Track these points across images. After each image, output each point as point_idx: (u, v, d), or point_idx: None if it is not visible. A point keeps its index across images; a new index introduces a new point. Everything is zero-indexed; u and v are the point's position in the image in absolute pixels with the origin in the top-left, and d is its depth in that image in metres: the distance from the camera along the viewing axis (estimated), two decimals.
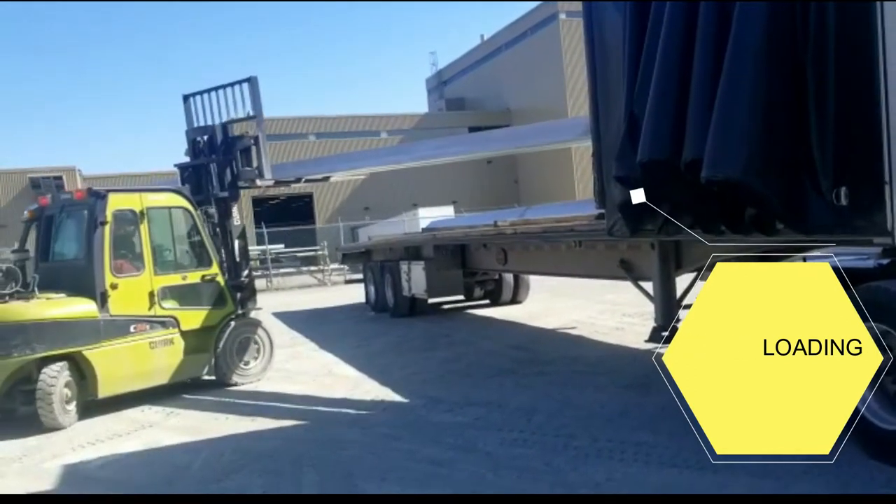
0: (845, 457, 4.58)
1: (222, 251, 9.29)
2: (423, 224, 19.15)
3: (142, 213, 8.27)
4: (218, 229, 9.35)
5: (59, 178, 42.13)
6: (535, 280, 15.05)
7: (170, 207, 8.68)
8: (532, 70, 46.98)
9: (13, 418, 7.55)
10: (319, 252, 29.23)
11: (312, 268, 28.84)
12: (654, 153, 4.86)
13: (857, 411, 4.53)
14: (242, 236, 9.60)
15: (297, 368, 9.83)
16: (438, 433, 6.13)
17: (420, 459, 5.47)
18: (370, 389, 8.13)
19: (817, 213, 4.46)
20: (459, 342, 10.99)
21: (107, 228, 7.90)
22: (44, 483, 5.69)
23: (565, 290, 15.53)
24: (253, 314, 9.51)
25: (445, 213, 28.30)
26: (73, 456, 6.43)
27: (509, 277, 14.65)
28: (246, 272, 9.57)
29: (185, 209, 8.77)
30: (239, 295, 9.23)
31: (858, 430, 4.52)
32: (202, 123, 9.79)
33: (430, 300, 14.39)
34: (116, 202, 8.13)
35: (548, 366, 8.62)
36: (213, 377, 8.96)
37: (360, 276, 20.43)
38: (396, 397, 7.66)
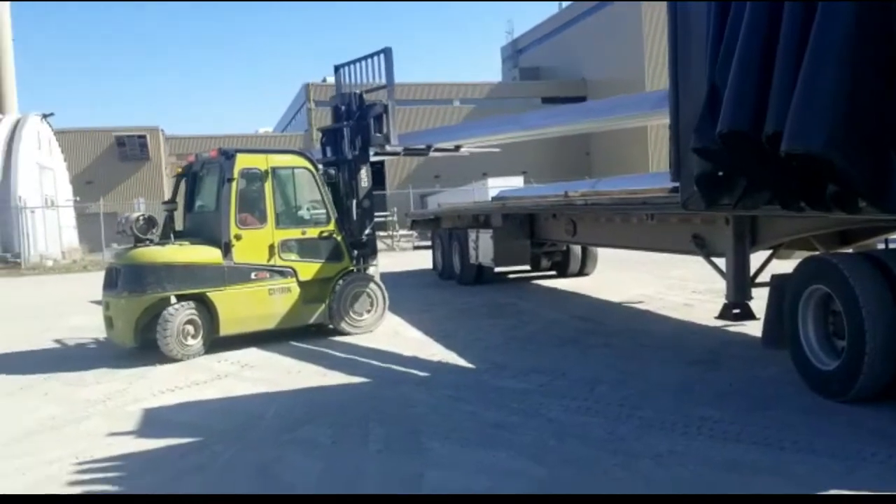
0: None
1: (352, 208, 9.88)
2: (492, 194, 19.16)
3: (266, 172, 9.09)
4: (343, 189, 9.93)
5: (143, 137, 43.58)
6: (602, 253, 14.93)
7: (293, 168, 9.45)
8: (610, 39, 46.01)
9: (153, 347, 8.43)
10: (389, 218, 29.58)
11: (382, 233, 29.21)
12: (735, 124, 4.76)
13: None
14: (368, 197, 10.07)
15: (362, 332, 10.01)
16: (502, 398, 6.22)
17: (483, 422, 5.57)
18: (435, 353, 8.27)
19: None
20: (524, 311, 11.03)
21: (234, 185, 8.80)
22: (126, 424, 6.01)
23: (633, 264, 15.37)
24: (371, 270, 10.03)
25: (515, 183, 28.25)
26: (154, 401, 6.76)
27: (577, 249, 14.56)
28: (368, 231, 10.06)
29: (308, 170, 9.48)
30: (358, 251, 9.79)
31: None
32: (345, 91, 10.46)
33: (497, 269, 14.43)
34: (244, 161, 9.01)
35: (613, 338, 8.60)
36: (329, 325, 9.60)
37: (427, 242, 20.61)
38: (461, 361, 7.78)
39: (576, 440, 5.03)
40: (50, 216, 31.28)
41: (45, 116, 33.72)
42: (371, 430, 5.49)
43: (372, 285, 9.86)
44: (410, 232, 27.50)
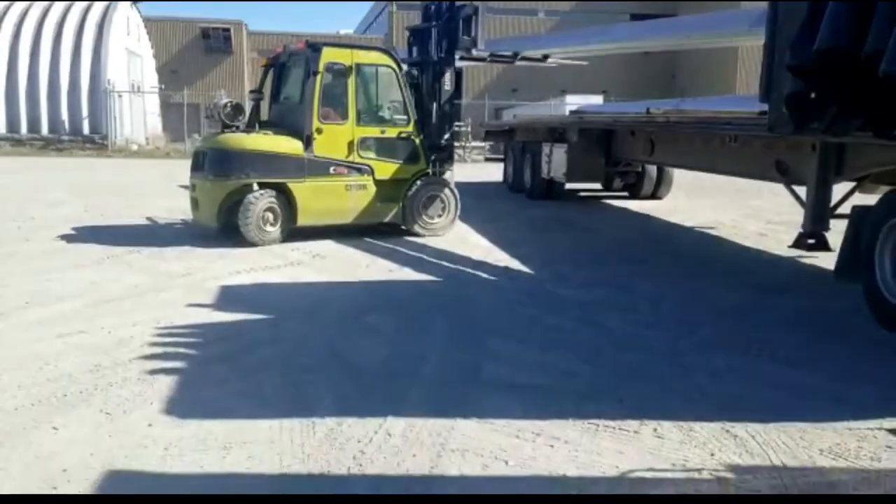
0: None
1: (433, 112, 9.85)
2: (570, 109, 18.79)
3: (351, 67, 9.12)
4: (425, 91, 9.87)
5: (227, 30, 43.82)
6: (677, 178, 14.62)
7: (377, 66, 9.42)
8: None
9: (234, 230, 8.81)
10: (463, 128, 29.35)
11: (454, 143, 29.05)
12: (834, 41, 4.54)
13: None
14: (450, 101, 10.00)
15: (409, 233, 10.16)
16: (563, 305, 6.32)
17: (543, 325, 5.69)
18: (500, 259, 8.37)
19: None
20: (593, 228, 11.00)
21: (318, 78, 8.87)
22: (203, 297, 6.35)
23: (708, 190, 15.05)
24: (447, 175, 10.09)
25: (594, 101, 27.53)
26: (230, 279, 7.10)
27: (652, 171, 14.28)
28: (447, 135, 10.05)
29: (391, 69, 9.44)
30: (435, 156, 9.82)
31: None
32: None
33: (568, 185, 14.30)
34: (329, 55, 9.05)
35: (681, 259, 8.54)
36: (402, 225, 9.80)
37: (499, 156, 20.47)
38: (525, 269, 7.87)
39: (633, 350, 5.11)
40: (136, 102, 32.19)
41: (135, 2, 34.21)
42: (433, 324, 5.69)
43: (446, 190, 9.95)
44: (483, 143, 27.32)
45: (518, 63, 13.60)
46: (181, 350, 5.01)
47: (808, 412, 4.00)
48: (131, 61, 33.10)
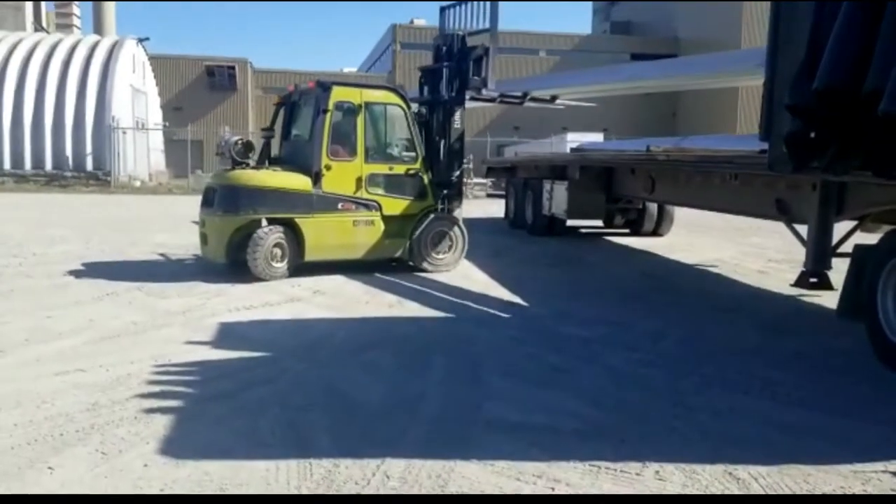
0: None
1: (441, 150, 10.03)
2: (571, 146, 18.90)
3: (360, 106, 9.26)
4: (435, 130, 10.07)
5: (232, 67, 44.41)
6: (678, 216, 14.65)
7: (385, 104, 9.56)
8: None
9: (245, 267, 8.82)
10: (465, 165, 29.46)
11: (463, 180, 29.19)
12: (833, 80, 4.57)
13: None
14: (460, 140, 10.16)
15: (414, 269, 10.14)
16: (563, 343, 6.28)
17: (543, 363, 5.65)
18: (501, 296, 8.35)
19: None
20: (593, 264, 11.00)
21: (328, 116, 9.01)
22: (202, 335, 6.31)
23: (709, 228, 15.07)
24: (456, 212, 10.21)
25: (595, 139, 27.74)
26: (229, 316, 7.07)
27: (653, 208, 14.31)
28: (457, 173, 10.21)
29: (400, 107, 9.59)
30: (444, 193, 9.98)
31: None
32: (447, 33, 10.49)
33: (569, 222, 14.34)
34: (339, 94, 9.20)
35: (682, 297, 8.52)
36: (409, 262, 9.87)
37: (500, 192, 20.57)
38: (525, 306, 7.85)
39: (635, 389, 5.06)
40: (140, 138, 32.47)
41: (140, 41, 34.73)
42: (433, 361, 5.64)
43: (454, 227, 10.01)
44: (485, 180, 27.45)
45: (528, 104, 13.74)
46: (178, 388, 4.97)
47: (813, 454, 3.94)
48: (136, 98, 33.47)
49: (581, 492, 3.49)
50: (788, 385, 5.14)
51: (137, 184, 29.43)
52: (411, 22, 49.38)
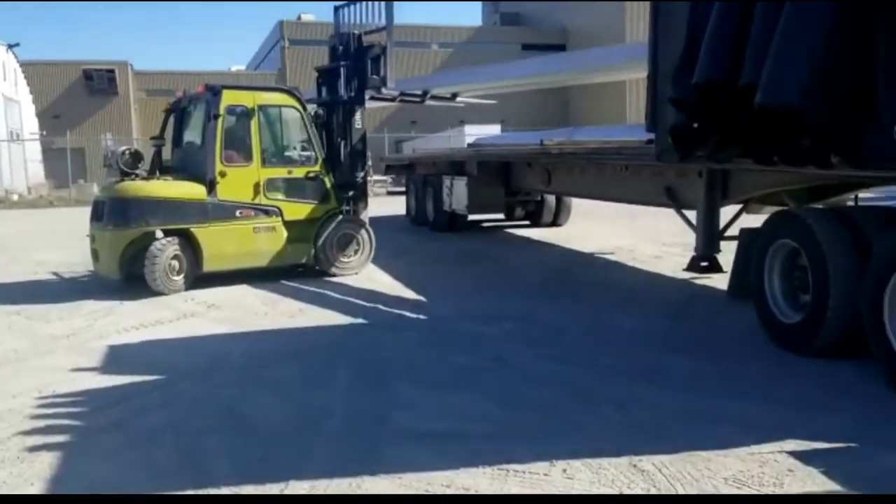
0: (879, 397, 4.62)
1: (342, 151, 9.83)
2: (469, 141, 19.02)
3: (253, 109, 9.01)
4: (336, 131, 9.90)
5: (112, 71, 42.49)
6: (576, 204, 14.95)
7: (280, 106, 9.37)
8: None
9: (138, 281, 8.49)
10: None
11: (368, 181, 28.86)
12: (711, 75, 4.73)
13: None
14: (362, 140, 10.01)
15: (320, 273, 9.96)
16: (470, 342, 6.26)
17: (450, 366, 5.61)
18: (406, 296, 8.28)
19: (876, 149, 4.35)
20: (496, 259, 11.07)
21: (219, 121, 8.74)
22: (90, 360, 5.95)
23: (606, 215, 15.43)
24: (362, 213, 10.07)
25: (492, 132, 28.02)
26: (118, 338, 6.70)
27: (551, 199, 14.56)
28: (361, 174, 10.02)
29: (295, 109, 9.38)
30: (349, 194, 9.81)
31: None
32: (343, 31, 10.30)
33: (470, 217, 14.40)
34: (230, 98, 8.93)
35: (582, 287, 8.67)
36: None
37: (401, 188, 20.48)
38: (431, 306, 7.80)
39: (540, 385, 5.09)
40: (15, 150, 30.64)
41: (10, 47, 32.70)
42: (338, 372, 5.51)
43: (361, 229, 9.88)
44: (384, 177, 27.30)
45: (429, 102, 13.67)
46: (65, 421, 4.66)
47: (713, 439, 4.04)
48: (8, 108, 31.55)
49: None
50: (686, 370, 5.29)
51: (15, 198, 27.71)
52: (299, 18, 48.54)
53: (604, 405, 4.66)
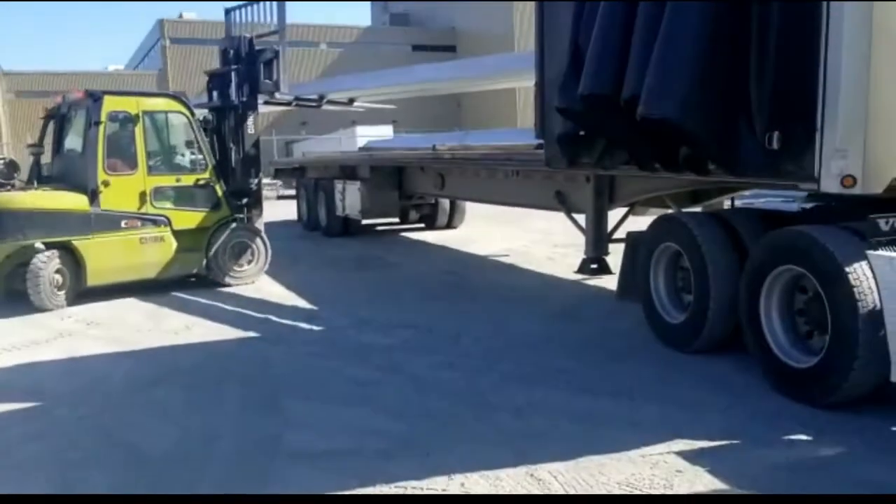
0: (758, 390, 4.85)
1: (232, 157, 9.58)
2: (361, 143, 18.82)
3: (137, 115, 8.70)
4: (228, 136, 9.66)
5: None
6: (470, 206, 15.07)
7: (166, 112, 9.08)
8: None
9: (18, 297, 8.12)
10: None
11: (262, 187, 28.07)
12: (596, 87, 4.85)
13: (769, 349, 4.79)
14: (255, 145, 9.80)
15: (213, 284, 9.63)
16: (365, 353, 6.17)
17: (345, 379, 5.50)
18: (299, 308, 8.09)
19: (749, 156, 4.57)
20: (391, 265, 11.00)
21: (101, 128, 8.38)
22: None
23: (500, 217, 15.61)
24: (257, 220, 9.87)
25: (384, 132, 27.84)
26: None
27: (445, 202, 14.61)
28: (254, 181, 9.81)
29: (182, 114, 9.11)
30: (244, 201, 9.60)
31: (770, 367, 4.80)
32: (234, 35, 10.06)
33: (364, 221, 14.27)
34: (112, 104, 8.59)
35: (478, 292, 8.73)
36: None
37: (292, 192, 20.07)
38: (324, 316, 7.65)
39: (437, 395, 5.07)
40: None
41: None
42: (227, 391, 5.31)
43: (254, 236, 9.67)
44: (274, 181, 26.67)
45: (325, 107, 13.48)
46: None
47: (606, 442, 4.13)
48: None
49: None
50: (579, 373, 5.40)
51: None
52: (180, 16, 46.83)
53: (500, 412, 4.69)
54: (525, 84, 10.85)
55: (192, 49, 42.83)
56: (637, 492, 3.57)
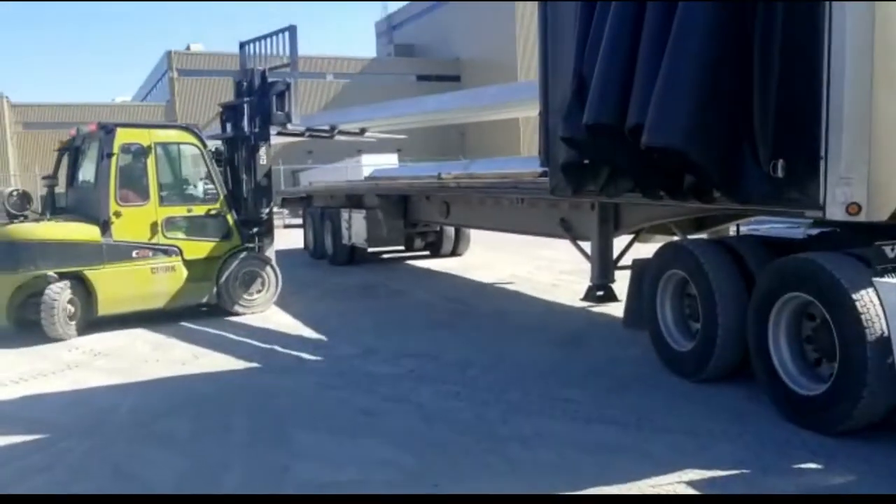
0: (768, 418, 4.82)
1: (244, 187, 9.73)
2: (367, 172, 18.95)
3: (149, 147, 8.83)
4: (241, 167, 9.81)
5: None
6: (475, 234, 15.10)
7: (178, 144, 9.23)
8: (484, 21, 46.45)
9: (27, 327, 8.21)
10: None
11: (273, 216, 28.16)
12: (600, 116, 4.88)
13: (777, 377, 4.77)
14: (267, 175, 9.94)
15: (224, 313, 9.65)
16: (372, 383, 6.16)
17: (352, 409, 5.49)
18: (305, 338, 8.09)
19: (754, 184, 4.58)
20: (397, 293, 11.01)
21: (113, 160, 8.52)
22: None
23: (505, 244, 15.62)
24: (268, 250, 9.94)
25: (390, 161, 28.03)
26: None
27: (450, 230, 14.63)
28: (266, 210, 9.91)
29: (194, 146, 9.26)
30: (254, 230, 9.69)
31: (778, 395, 4.77)
32: (248, 68, 10.31)
33: (371, 249, 14.30)
34: (124, 136, 8.74)
35: (483, 319, 8.71)
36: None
37: (299, 220, 20.15)
38: (331, 346, 7.64)
39: (444, 426, 5.05)
40: None
41: None
42: (234, 422, 5.29)
43: (267, 266, 9.74)
44: (281, 209, 26.78)
45: (338, 137, 13.64)
46: None
47: (616, 473, 4.10)
48: None
49: None
50: (587, 403, 5.37)
51: None
52: (188, 48, 47.39)
53: (509, 443, 4.67)
54: (526, 114, 10.97)
55: (199, 81, 43.31)
56: None
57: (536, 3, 6.59)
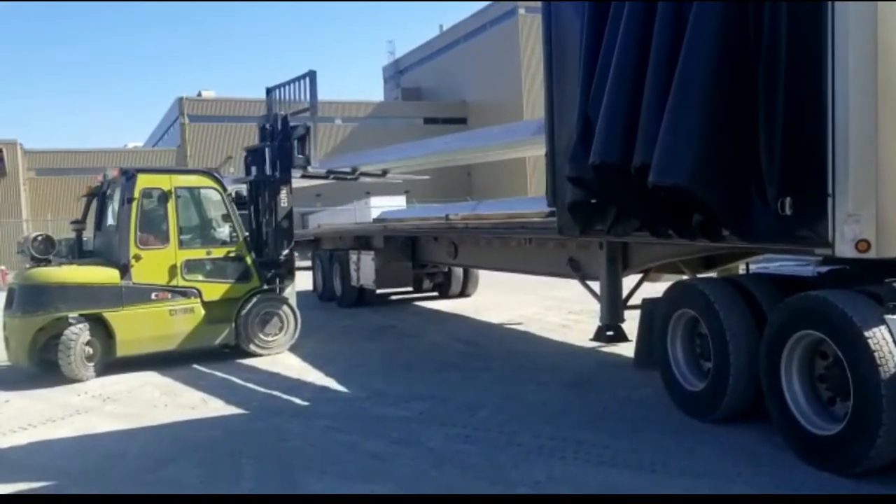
0: (782, 460, 4.74)
1: (269, 228, 9.84)
2: (375, 214, 19.07)
3: (170, 192, 9.03)
4: (262, 209, 10.03)
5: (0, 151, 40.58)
6: (483, 274, 15.09)
7: (199, 188, 9.47)
8: (489, 63, 47.08)
9: (52, 368, 8.33)
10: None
11: (293, 258, 28.25)
12: (606, 156, 4.91)
13: (791, 416, 4.70)
14: (288, 217, 10.06)
15: (239, 356, 9.67)
16: (381, 426, 6.10)
17: (361, 453, 5.44)
18: (314, 380, 8.06)
19: (762, 222, 4.58)
20: (406, 334, 10.97)
21: (134, 205, 8.75)
22: None
23: (513, 284, 15.61)
24: (288, 290, 10.01)
25: (397, 203, 28.25)
26: (3, 441, 6.22)
27: (458, 270, 14.65)
28: (286, 251, 10.02)
29: (215, 190, 9.47)
30: (274, 272, 9.75)
31: (793, 435, 4.70)
32: (275, 112, 10.59)
33: (379, 291, 14.31)
34: (145, 181, 8.98)
35: (493, 361, 8.66)
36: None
37: (307, 263, 20.22)
38: (340, 389, 7.60)
39: (455, 470, 4.98)
40: None
41: None
42: (243, 468, 5.24)
43: (285, 307, 9.79)
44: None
45: (362, 180, 13.83)
46: None
47: None
48: None
49: None
50: (599, 445, 5.29)
51: None
52: (199, 94, 48.12)
53: (520, 487, 4.60)
54: (533, 153, 11.04)
55: (210, 126, 43.89)
56: None
57: (542, 44, 6.67)
